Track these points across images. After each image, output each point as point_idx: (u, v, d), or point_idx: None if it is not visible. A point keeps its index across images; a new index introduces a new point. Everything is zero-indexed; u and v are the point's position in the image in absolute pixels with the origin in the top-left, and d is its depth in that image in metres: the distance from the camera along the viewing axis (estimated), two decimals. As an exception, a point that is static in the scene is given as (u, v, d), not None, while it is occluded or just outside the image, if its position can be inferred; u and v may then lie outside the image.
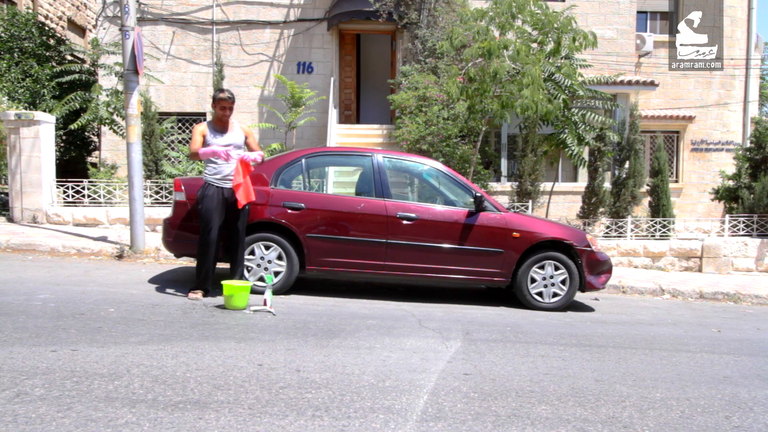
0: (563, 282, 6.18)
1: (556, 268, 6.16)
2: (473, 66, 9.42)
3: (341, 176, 9.97)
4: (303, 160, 6.22)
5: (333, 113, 12.82)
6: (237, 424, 2.67)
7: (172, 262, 7.56)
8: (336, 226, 5.93)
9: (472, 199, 6.12)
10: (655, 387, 3.67)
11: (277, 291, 5.65)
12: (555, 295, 6.20)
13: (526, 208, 10.70)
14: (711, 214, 13.58)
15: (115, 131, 11.65)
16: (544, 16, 9.62)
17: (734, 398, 3.56)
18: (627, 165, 11.21)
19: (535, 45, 10.02)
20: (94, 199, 10.07)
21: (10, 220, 9.60)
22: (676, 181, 14.55)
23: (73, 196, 10.00)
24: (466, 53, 9.47)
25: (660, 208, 10.80)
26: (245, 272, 5.77)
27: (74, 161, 13.06)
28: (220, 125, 5.48)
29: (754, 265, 10.30)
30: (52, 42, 14.06)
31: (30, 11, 14.95)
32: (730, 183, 11.54)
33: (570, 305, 6.32)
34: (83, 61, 13.32)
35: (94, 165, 13.00)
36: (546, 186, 11.42)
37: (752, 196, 10.75)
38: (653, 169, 11.04)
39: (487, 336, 4.76)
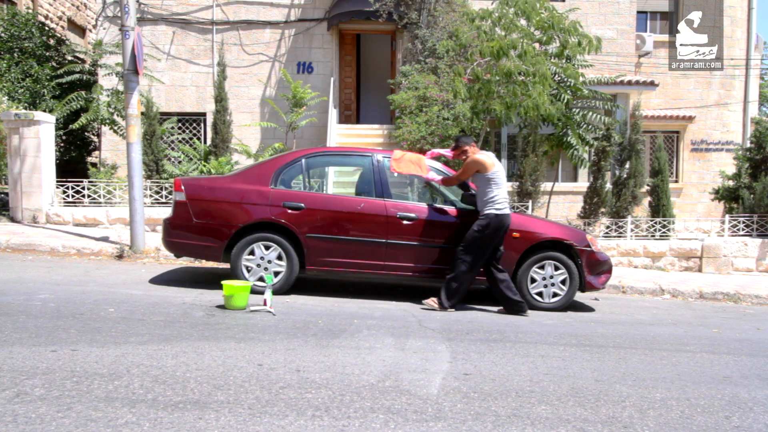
0: (563, 282, 6.17)
1: (556, 268, 6.15)
2: (478, 66, 9.42)
3: (341, 176, 9.95)
4: (303, 160, 6.22)
5: (333, 113, 12.81)
6: (237, 424, 2.67)
7: (173, 262, 7.56)
8: (336, 226, 5.93)
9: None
10: (655, 387, 3.67)
11: (277, 291, 5.65)
12: (555, 295, 6.19)
13: (527, 208, 10.69)
14: (711, 214, 13.57)
15: (115, 131, 11.66)
16: (551, 18, 9.64)
17: (734, 398, 3.56)
18: (628, 165, 11.19)
19: (537, 45, 10.03)
20: (94, 199, 10.07)
21: (11, 220, 9.61)
22: (676, 181, 14.54)
23: (73, 196, 10.00)
24: (472, 51, 9.49)
25: (660, 208, 10.79)
26: (246, 272, 5.78)
27: (74, 161, 13.05)
28: None
29: (754, 265, 10.30)
30: (52, 42, 14.05)
31: (30, 11, 14.93)
32: (730, 183, 11.54)
33: (570, 305, 6.31)
34: (83, 61, 13.32)
35: (94, 165, 12.99)
36: (546, 186, 11.42)
37: (752, 196, 10.75)
38: (653, 169, 11.03)
39: (487, 336, 4.76)
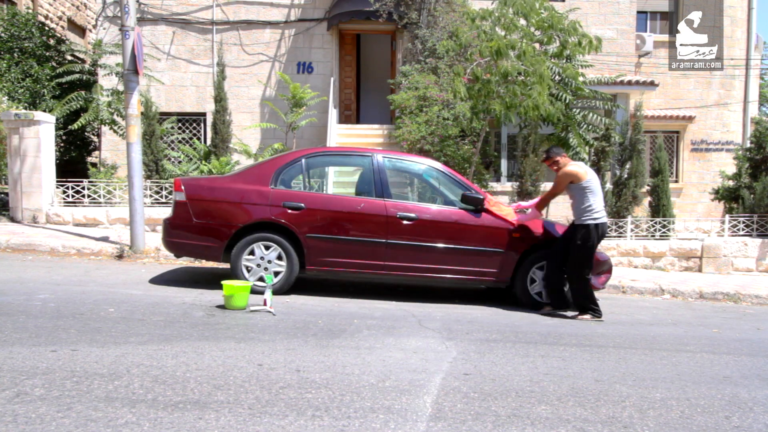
0: (563, 282, 6.16)
1: (557, 268, 6.15)
2: (478, 66, 9.42)
3: (341, 176, 9.96)
4: (303, 160, 6.22)
5: (333, 113, 12.82)
6: (237, 424, 2.67)
7: (173, 262, 7.56)
8: (336, 226, 5.93)
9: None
10: (655, 387, 3.67)
11: (277, 291, 5.65)
12: (555, 295, 6.18)
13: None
14: (711, 214, 13.57)
15: (115, 131, 11.66)
16: (551, 18, 9.64)
17: (734, 398, 3.56)
18: (629, 165, 11.18)
19: (537, 45, 10.03)
20: (94, 199, 10.07)
21: (11, 220, 9.61)
22: (676, 181, 14.54)
23: (73, 196, 10.00)
24: (472, 51, 9.49)
25: (660, 208, 10.79)
26: (246, 272, 5.78)
27: (74, 161, 13.05)
28: None
29: (754, 265, 10.29)
30: (52, 42, 14.05)
31: (30, 11, 14.93)
32: (730, 183, 11.53)
33: (570, 305, 6.30)
34: (83, 61, 13.32)
35: (94, 165, 13.00)
36: (546, 186, 11.40)
37: (752, 196, 10.75)
38: (653, 169, 11.03)
39: (487, 336, 4.76)
